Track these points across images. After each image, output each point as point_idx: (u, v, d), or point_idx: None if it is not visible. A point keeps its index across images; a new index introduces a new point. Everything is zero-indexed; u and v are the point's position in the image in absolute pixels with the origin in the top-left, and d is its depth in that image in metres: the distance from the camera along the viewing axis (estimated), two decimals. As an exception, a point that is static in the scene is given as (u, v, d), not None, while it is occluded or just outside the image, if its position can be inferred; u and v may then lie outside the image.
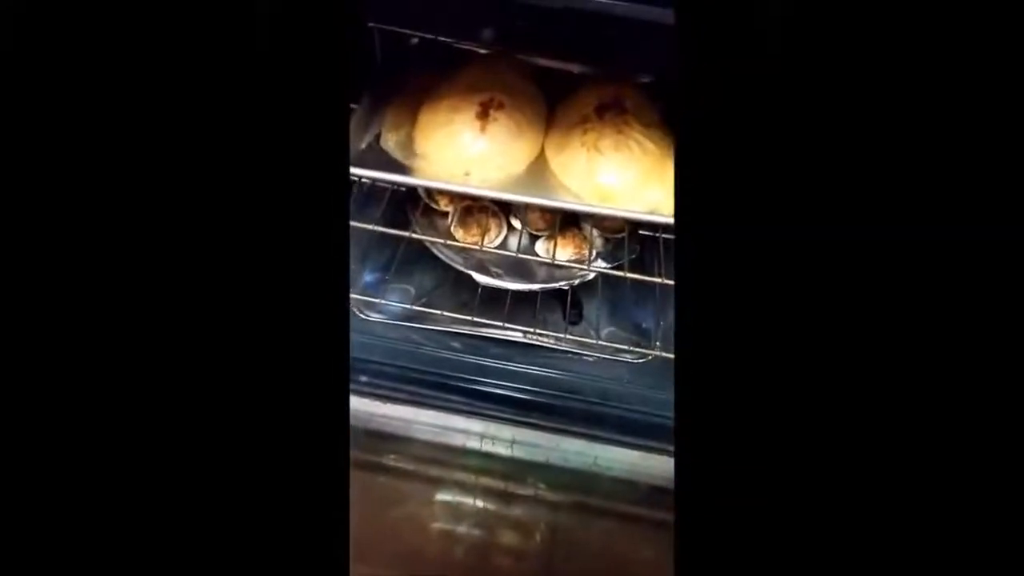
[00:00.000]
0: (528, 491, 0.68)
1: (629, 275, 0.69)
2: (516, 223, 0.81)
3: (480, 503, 0.67)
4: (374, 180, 0.68)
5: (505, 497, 0.67)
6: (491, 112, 0.66)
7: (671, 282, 0.70)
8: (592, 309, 0.84)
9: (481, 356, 0.78)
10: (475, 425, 0.70)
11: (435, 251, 0.80)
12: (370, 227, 0.71)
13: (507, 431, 0.71)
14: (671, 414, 0.71)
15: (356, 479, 0.68)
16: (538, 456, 0.69)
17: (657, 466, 0.67)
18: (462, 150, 0.65)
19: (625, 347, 0.77)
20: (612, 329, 0.83)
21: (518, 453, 0.70)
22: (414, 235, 0.74)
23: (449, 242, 0.75)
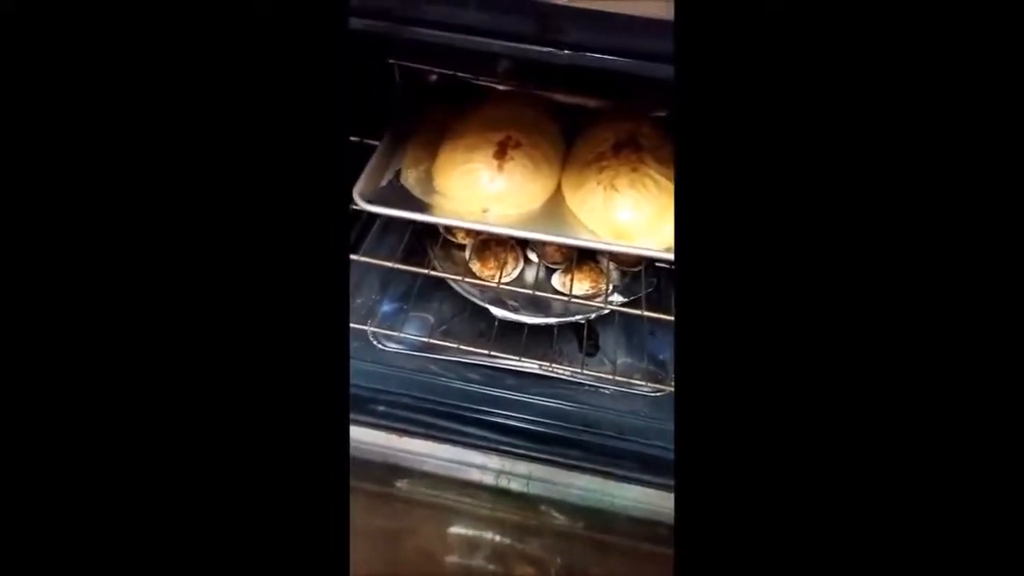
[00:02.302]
0: (544, 528, 0.68)
1: (645, 313, 0.69)
2: (533, 256, 0.82)
3: (495, 539, 0.67)
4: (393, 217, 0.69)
5: (520, 533, 0.67)
6: (508, 151, 0.67)
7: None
8: (609, 340, 0.84)
9: (498, 387, 0.78)
10: (491, 461, 0.71)
11: (452, 284, 0.81)
12: (387, 264, 0.73)
13: (523, 467, 0.71)
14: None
15: (372, 512, 0.69)
16: (554, 494, 0.69)
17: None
18: (480, 188, 0.66)
19: (642, 382, 0.77)
20: (629, 361, 0.83)
21: (534, 490, 0.70)
22: (432, 272, 0.75)
23: (466, 279, 0.76)
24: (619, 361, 0.82)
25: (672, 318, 0.69)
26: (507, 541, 0.68)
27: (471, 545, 0.68)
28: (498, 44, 0.39)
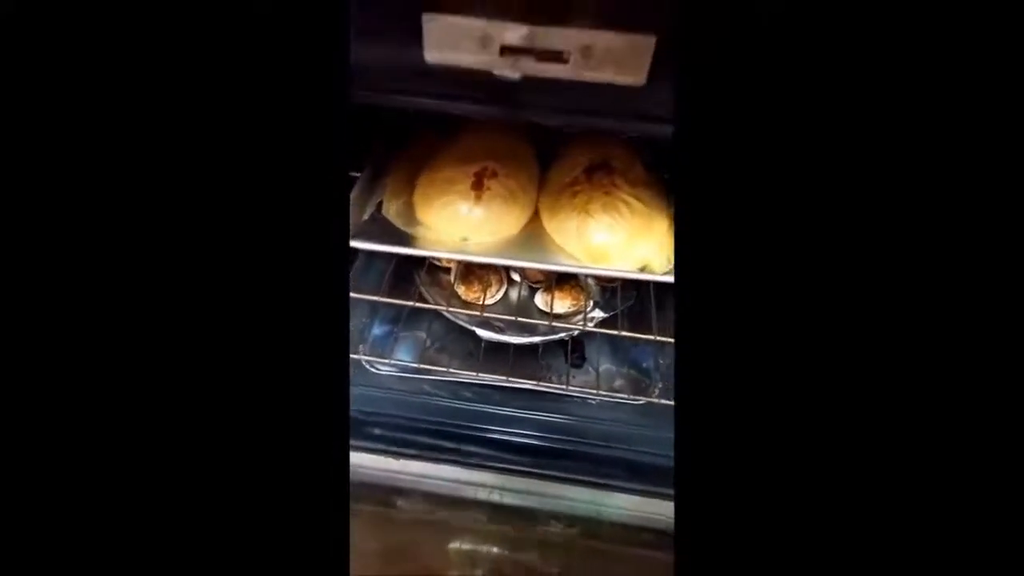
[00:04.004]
0: (539, 540, 0.71)
1: (623, 333, 0.72)
2: (516, 276, 0.84)
3: (493, 551, 0.71)
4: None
5: (517, 545, 0.71)
6: (485, 181, 0.69)
7: (663, 339, 0.73)
8: (593, 350, 0.87)
9: (489, 404, 0.81)
10: (486, 478, 0.74)
11: (440, 310, 0.84)
12: (373, 298, 0.75)
13: (516, 482, 0.74)
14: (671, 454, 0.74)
15: (370, 532, 0.72)
16: (548, 505, 0.73)
17: (661, 510, 0.71)
18: (459, 219, 0.69)
19: (627, 392, 0.80)
20: (614, 369, 0.86)
21: (529, 503, 0.73)
22: (417, 305, 0.78)
23: (452, 309, 0.79)
24: (603, 368, 0.85)
25: (649, 336, 0.73)
26: (505, 553, 0.72)
27: (470, 559, 0.71)
28: (464, 108, 0.42)
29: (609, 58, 0.38)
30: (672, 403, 0.77)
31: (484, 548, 0.71)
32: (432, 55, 0.38)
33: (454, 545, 0.72)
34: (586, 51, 0.37)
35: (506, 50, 0.37)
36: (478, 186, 0.69)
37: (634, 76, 0.38)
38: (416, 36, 0.37)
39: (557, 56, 0.38)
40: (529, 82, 0.39)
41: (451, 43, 0.37)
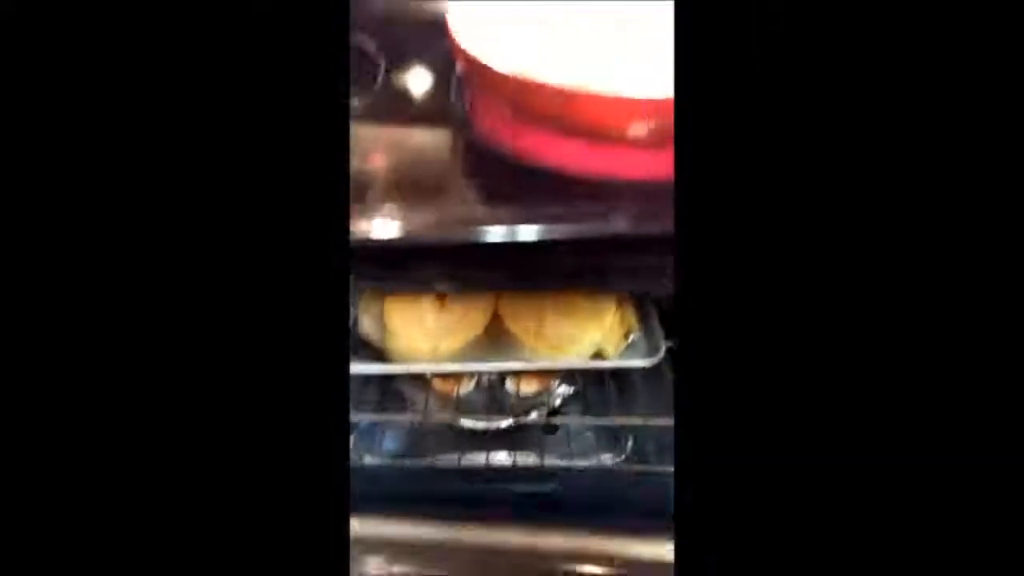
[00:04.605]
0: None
1: (586, 419, 0.80)
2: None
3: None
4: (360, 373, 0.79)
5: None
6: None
7: (622, 420, 0.82)
8: (566, 418, 0.95)
9: (471, 482, 0.88)
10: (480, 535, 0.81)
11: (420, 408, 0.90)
12: (355, 419, 0.83)
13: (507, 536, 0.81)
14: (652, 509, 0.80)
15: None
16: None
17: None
18: (427, 328, 0.76)
19: (595, 462, 0.87)
20: (586, 431, 0.94)
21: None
22: (394, 418, 0.85)
23: (428, 420, 0.87)
24: (574, 426, 0.93)
25: (606, 421, 0.81)
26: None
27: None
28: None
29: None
30: (644, 467, 0.85)
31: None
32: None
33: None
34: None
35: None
36: (440, 296, 0.77)
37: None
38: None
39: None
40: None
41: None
